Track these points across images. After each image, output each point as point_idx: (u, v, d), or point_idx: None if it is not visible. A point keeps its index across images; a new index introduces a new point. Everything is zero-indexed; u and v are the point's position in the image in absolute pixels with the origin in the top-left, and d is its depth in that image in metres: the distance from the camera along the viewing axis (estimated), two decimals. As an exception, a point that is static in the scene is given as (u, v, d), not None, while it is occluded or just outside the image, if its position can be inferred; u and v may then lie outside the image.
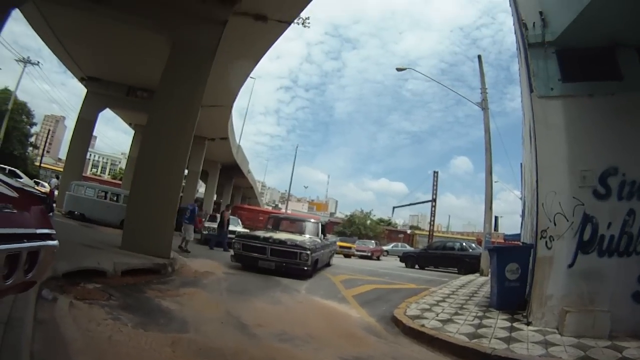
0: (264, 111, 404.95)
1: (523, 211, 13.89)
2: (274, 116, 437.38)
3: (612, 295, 6.49)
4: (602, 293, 6.54)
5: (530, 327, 6.77)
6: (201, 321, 5.67)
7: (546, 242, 7.10)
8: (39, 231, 2.83)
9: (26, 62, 41.53)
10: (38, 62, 43.20)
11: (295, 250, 11.95)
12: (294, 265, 11.82)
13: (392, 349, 5.83)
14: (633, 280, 6.48)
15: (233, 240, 13.05)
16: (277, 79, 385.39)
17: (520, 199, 16.88)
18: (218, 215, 21.38)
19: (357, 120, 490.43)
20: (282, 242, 12.20)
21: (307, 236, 14.09)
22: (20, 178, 26.34)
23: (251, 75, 22.62)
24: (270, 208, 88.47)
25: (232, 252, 13.40)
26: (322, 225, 16.35)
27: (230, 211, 19.84)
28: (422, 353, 5.78)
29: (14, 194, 2.80)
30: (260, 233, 13.55)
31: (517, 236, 19.34)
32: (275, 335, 5.55)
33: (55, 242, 3.03)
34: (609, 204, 6.72)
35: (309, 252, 11.96)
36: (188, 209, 16.33)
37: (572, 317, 6.35)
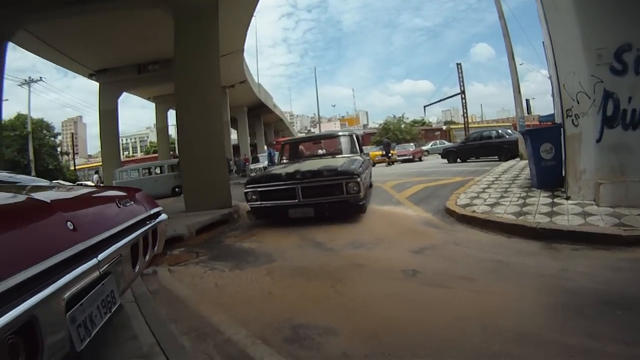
0: (272, 44, 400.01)
1: (553, 90, 13.96)
2: (283, 45, 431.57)
3: (641, 166, 6.85)
4: (632, 164, 6.80)
5: (569, 201, 7.26)
6: (282, 250, 6.35)
7: (572, 120, 7.43)
8: (152, 211, 3.43)
9: (30, 82, 42.33)
10: (40, 77, 43.89)
11: (339, 181, 8.10)
12: (342, 201, 8.14)
13: (451, 235, 6.56)
14: (659, 151, 6.78)
15: (245, 190, 8.82)
16: (276, 8, 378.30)
17: (549, 78, 16.76)
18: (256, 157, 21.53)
19: (367, 28, 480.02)
20: (316, 174, 8.34)
21: (344, 157, 10.28)
22: None
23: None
24: (304, 135, 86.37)
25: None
26: (357, 137, 12.01)
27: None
28: (477, 235, 6.46)
29: (124, 192, 3.31)
30: (280, 169, 9.57)
31: (551, 117, 19.27)
32: (348, 245, 6.26)
33: (165, 216, 3.68)
34: (628, 79, 6.82)
35: (358, 178, 8.11)
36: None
37: (605, 189, 6.76)
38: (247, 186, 8.82)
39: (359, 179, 8.15)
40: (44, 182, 6.63)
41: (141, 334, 3.49)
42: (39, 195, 2.31)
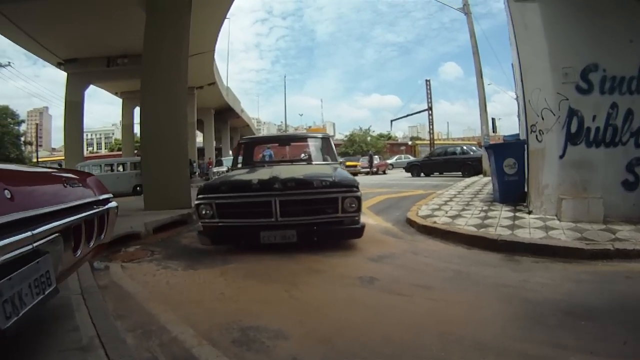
0: (244, 48, 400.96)
1: (519, 110, 14.16)
2: (255, 51, 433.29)
3: (603, 183, 6.97)
4: (594, 181, 7.01)
5: (531, 216, 7.35)
6: (240, 253, 6.11)
7: (536, 135, 7.52)
8: (101, 197, 3.27)
9: None
10: (9, 62, 42.68)
11: (334, 194, 5.94)
12: (334, 222, 6.02)
13: (411, 245, 6.55)
14: (621, 169, 6.93)
15: (196, 201, 6.18)
16: (251, 12, 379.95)
17: (515, 99, 17.13)
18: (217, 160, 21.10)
19: (340, 40, 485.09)
20: (302, 184, 6.07)
21: (323, 164, 8.22)
22: None
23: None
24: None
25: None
26: (332, 141, 9.43)
27: None
28: (437, 245, 6.44)
29: (74, 175, 3.18)
30: (245, 174, 7.14)
31: (516, 136, 19.61)
32: (306, 251, 5.99)
33: (115, 204, 3.50)
34: (592, 98, 7.03)
35: (358, 192, 6.10)
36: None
37: (567, 204, 6.88)
38: (200, 196, 6.19)
39: (359, 193, 6.12)
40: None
41: (82, 326, 3.30)
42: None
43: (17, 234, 1.91)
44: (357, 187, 6.13)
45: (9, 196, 1.96)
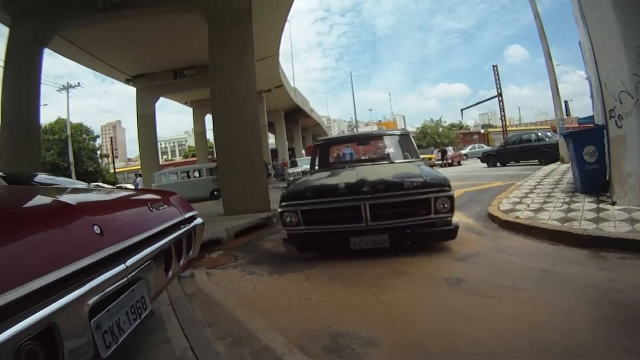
0: (307, 48, 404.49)
1: (591, 91, 13.48)
2: (318, 50, 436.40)
3: (689, 170, 6.43)
4: None
5: (615, 207, 6.90)
6: (323, 255, 6.02)
7: (615, 121, 7.06)
8: (187, 215, 3.37)
9: (68, 88, 43.58)
10: (78, 83, 45.63)
11: (426, 195, 5.63)
12: (427, 225, 5.72)
13: (495, 242, 6.33)
14: None
15: (280, 209, 6.04)
16: (310, 12, 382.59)
17: (586, 78, 16.34)
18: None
19: (401, 32, 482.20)
20: (392, 185, 5.78)
21: (406, 162, 7.88)
22: None
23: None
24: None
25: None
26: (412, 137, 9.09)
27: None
28: (521, 242, 6.21)
29: (157, 196, 3.30)
30: (328, 178, 6.81)
31: (590, 118, 18.87)
32: (391, 252, 5.79)
33: (201, 220, 3.58)
34: None
35: (451, 191, 5.76)
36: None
37: None
38: (283, 203, 6.00)
39: (452, 193, 5.75)
40: (82, 185, 6.61)
41: (175, 338, 3.42)
42: (65, 198, 2.27)
43: (111, 269, 1.96)
44: (449, 186, 5.79)
45: (98, 232, 2.00)
